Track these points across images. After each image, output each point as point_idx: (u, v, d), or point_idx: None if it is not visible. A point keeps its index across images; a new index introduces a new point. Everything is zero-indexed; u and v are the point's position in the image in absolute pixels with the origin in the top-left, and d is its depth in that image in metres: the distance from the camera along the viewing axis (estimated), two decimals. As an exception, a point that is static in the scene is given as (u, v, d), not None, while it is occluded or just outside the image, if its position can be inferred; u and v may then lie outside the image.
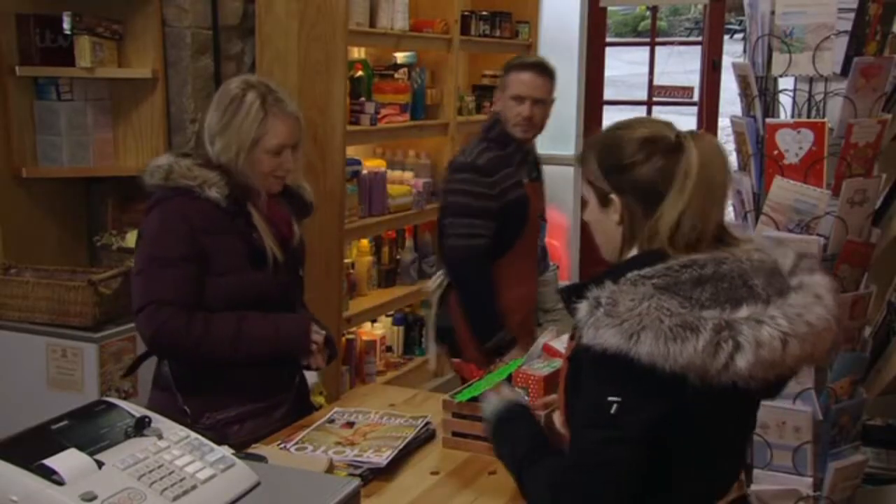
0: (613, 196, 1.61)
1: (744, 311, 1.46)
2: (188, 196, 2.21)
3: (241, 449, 1.97)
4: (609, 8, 6.41)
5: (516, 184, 3.08)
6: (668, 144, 1.57)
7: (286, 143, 2.28)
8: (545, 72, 3.18)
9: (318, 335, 2.32)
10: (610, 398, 1.47)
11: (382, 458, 2.00)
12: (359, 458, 2.01)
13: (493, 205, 3.01)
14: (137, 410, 1.52)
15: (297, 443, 2.12)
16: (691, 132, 1.60)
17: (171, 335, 2.18)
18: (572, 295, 1.54)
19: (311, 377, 2.51)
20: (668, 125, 1.64)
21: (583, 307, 1.49)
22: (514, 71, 3.10)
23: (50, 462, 1.32)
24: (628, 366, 1.43)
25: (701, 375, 1.42)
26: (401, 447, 2.05)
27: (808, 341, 1.46)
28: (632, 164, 1.58)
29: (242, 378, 2.28)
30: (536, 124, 3.15)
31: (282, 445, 2.11)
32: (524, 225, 3.10)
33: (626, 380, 1.45)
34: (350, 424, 2.23)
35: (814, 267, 1.62)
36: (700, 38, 6.23)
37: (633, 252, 1.61)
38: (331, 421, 2.27)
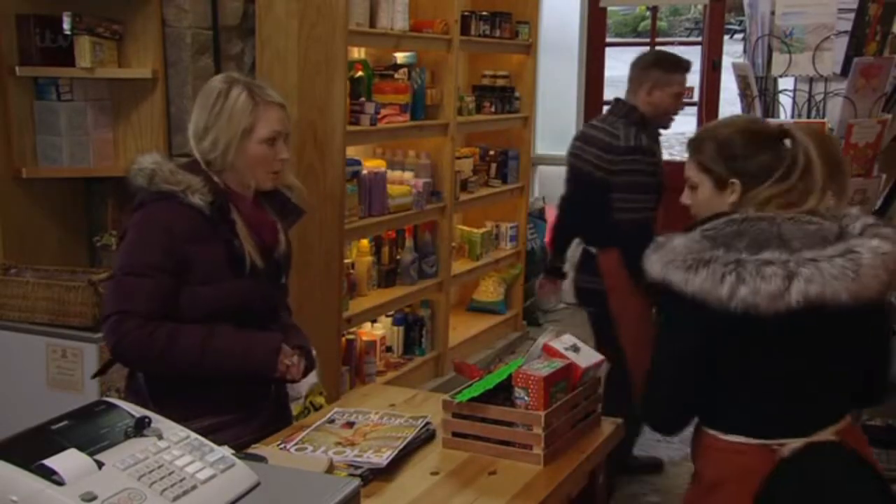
0: (734, 180, 1.94)
1: (764, 255, 1.78)
2: (172, 201, 2.17)
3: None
4: (609, 8, 6.42)
5: (660, 162, 3.53)
6: (772, 135, 1.96)
7: (280, 130, 2.26)
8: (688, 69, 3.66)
9: (287, 357, 2.26)
10: (663, 317, 1.93)
11: (382, 458, 2.00)
12: (359, 459, 2.01)
13: (655, 181, 3.42)
14: (137, 411, 1.52)
15: (297, 443, 2.12)
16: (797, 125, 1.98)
17: (133, 347, 2.15)
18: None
19: (310, 378, 2.50)
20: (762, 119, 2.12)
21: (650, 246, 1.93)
22: (675, 72, 3.53)
23: (50, 462, 1.32)
24: (668, 289, 1.82)
25: (716, 301, 1.76)
26: (401, 447, 2.05)
27: (815, 282, 1.73)
28: (752, 153, 1.93)
29: (217, 388, 2.22)
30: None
31: (282, 445, 2.11)
32: (661, 198, 3.53)
33: (668, 300, 1.85)
34: (350, 425, 2.23)
35: (882, 234, 1.85)
36: (700, 39, 6.23)
37: None
38: (331, 421, 2.26)
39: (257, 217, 2.30)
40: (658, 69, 3.50)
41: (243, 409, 2.28)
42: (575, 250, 3.77)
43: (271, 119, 2.25)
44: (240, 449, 2.06)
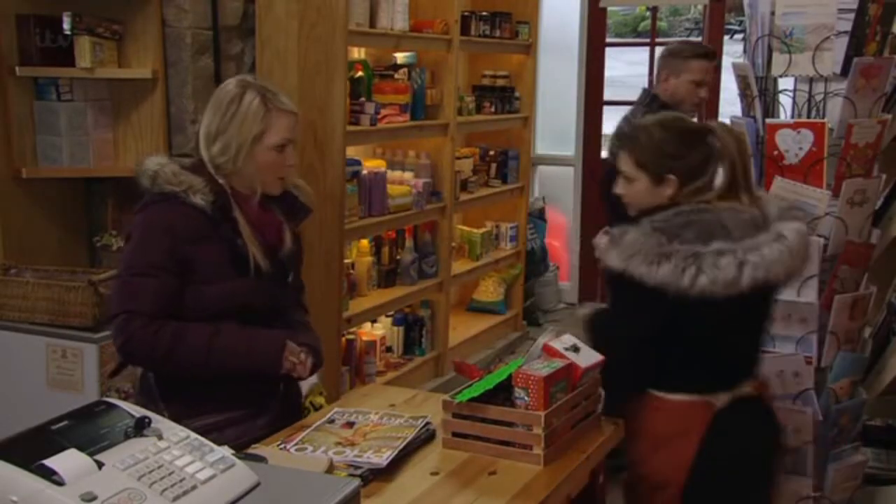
0: (671, 176, 2.16)
1: (713, 246, 2.02)
2: (174, 202, 2.19)
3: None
4: (609, 8, 6.42)
5: None
6: (700, 133, 2.21)
7: (290, 138, 2.28)
8: (714, 57, 3.71)
9: (293, 354, 2.27)
10: (621, 305, 2.17)
11: (382, 458, 2.00)
12: (359, 459, 2.01)
13: None
14: (137, 411, 1.52)
15: (297, 443, 2.12)
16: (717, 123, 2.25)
17: (140, 346, 2.18)
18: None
19: (311, 378, 2.50)
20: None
21: (602, 239, 2.16)
22: (695, 59, 3.56)
23: (50, 462, 1.32)
24: (628, 280, 2.04)
25: (677, 290, 2.00)
26: (401, 448, 2.05)
27: (761, 268, 2.01)
28: (686, 152, 2.17)
29: (224, 385, 2.24)
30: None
31: (282, 446, 2.11)
32: None
33: (628, 290, 2.07)
34: (350, 425, 2.23)
35: (796, 216, 2.16)
36: (700, 39, 6.23)
37: None
38: (331, 421, 2.26)
39: (262, 217, 2.31)
40: (673, 57, 3.57)
41: (251, 406, 2.30)
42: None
43: (282, 126, 2.26)
44: (248, 446, 2.11)
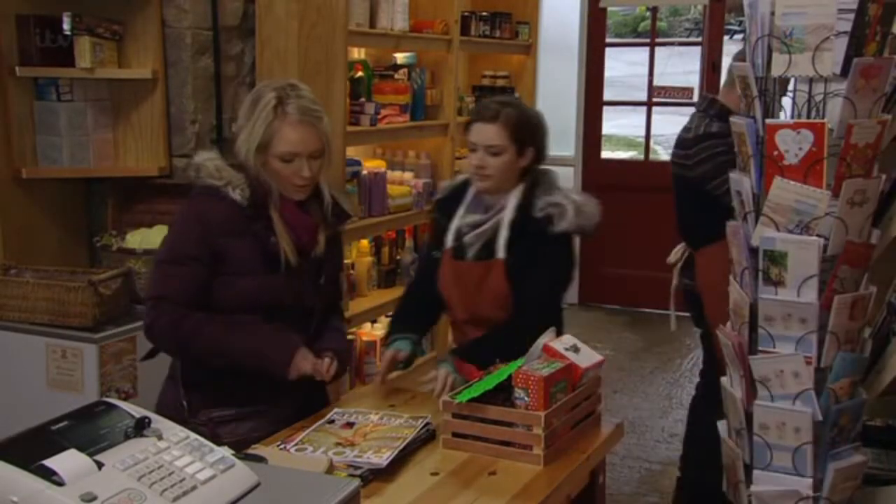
0: (531, 147, 2.55)
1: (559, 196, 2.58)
2: (213, 196, 2.24)
3: (237, 448, 1.98)
4: (609, 8, 6.42)
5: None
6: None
7: (296, 152, 2.24)
8: None
9: (305, 360, 2.28)
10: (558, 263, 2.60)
11: (382, 458, 2.00)
12: (358, 459, 2.01)
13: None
14: (137, 411, 1.52)
15: (296, 444, 2.12)
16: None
17: (163, 331, 2.26)
18: None
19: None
20: None
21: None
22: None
23: (50, 463, 1.32)
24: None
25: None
26: (401, 448, 2.06)
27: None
28: (543, 129, 2.62)
29: (244, 378, 2.28)
30: None
31: (281, 446, 2.11)
32: None
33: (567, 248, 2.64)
34: (350, 425, 2.23)
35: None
36: (700, 39, 6.23)
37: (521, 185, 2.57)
38: (331, 422, 2.27)
39: (298, 217, 2.33)
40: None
41: (271, 401, 2.34)
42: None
43: (288, 139, 2.24)
44: (260, 440, 2.18)
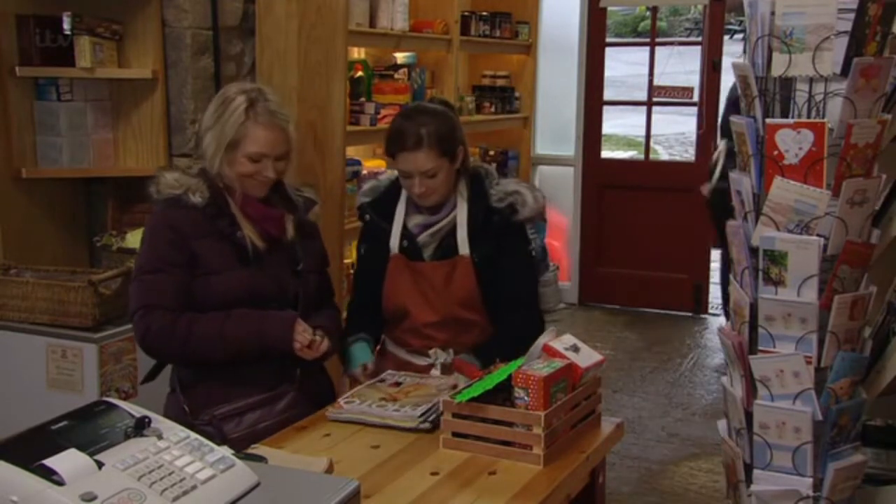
0: (460, 147, 2.54)
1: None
2: (175, 204, 2.30)
3: (242, 443, 2.01)
4: (609, 8, 6.41)
5: None
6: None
7: (265, 153, 2.32)
8: None
9: (301, 334, 2.33)
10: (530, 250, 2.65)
11: (416, 411, 2.20)
12: (396, 413, 2.21)
13: None
14: (137, 411, 1.52)
15: (347, 397, 2.33)
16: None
17: (158, 337, 2.28)
18: None
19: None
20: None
21: None
22: None
23: (50, 462, 1.32)
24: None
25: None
26: (432, 406, 2.22)
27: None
28: (457, 124, 2.58)
29: (240, 371, 2.32)
30: None
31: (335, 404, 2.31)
32: None
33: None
34: (397, 384, 2.41)
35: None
36: (700, 39, 6.23)
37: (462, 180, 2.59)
38: (382, 380, 2.45)
39: (260, 209, 2.38)
40: None
41: (269, 391, 2.36)
42: None
43: (259, 139, 2.31)
44: (269, 430, 2.22)
